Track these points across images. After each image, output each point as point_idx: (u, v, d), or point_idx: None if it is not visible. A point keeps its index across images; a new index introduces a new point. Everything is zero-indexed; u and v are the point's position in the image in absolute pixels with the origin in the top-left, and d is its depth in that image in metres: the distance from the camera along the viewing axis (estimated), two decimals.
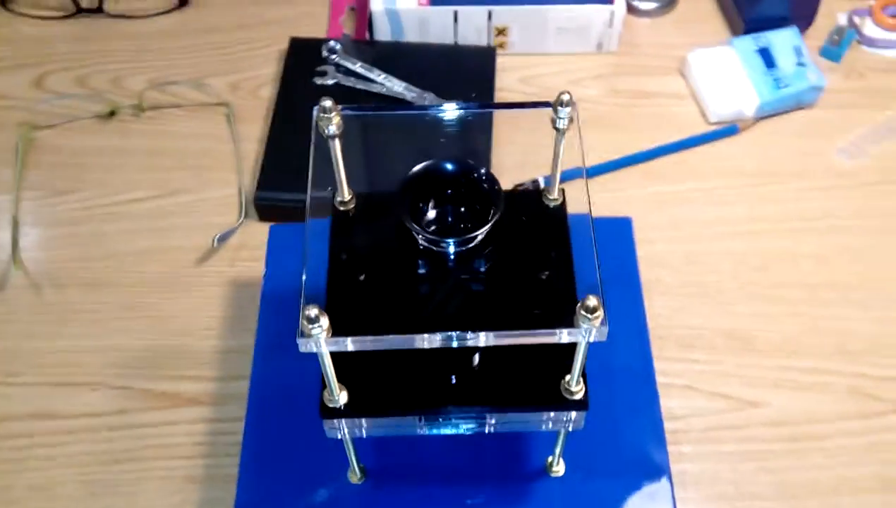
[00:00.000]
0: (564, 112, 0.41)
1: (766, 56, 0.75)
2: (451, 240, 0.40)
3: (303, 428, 0.51)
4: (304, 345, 0.35)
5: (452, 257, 0.41)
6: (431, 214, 0.42)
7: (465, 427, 0.42)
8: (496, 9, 0.75)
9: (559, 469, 0.49)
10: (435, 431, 0.43)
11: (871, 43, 0.80)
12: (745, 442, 0.57)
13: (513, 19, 0.75)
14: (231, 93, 0.77)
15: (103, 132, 0.74)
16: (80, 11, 0.83)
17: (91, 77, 0.78)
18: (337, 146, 0.43)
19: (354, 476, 0.49)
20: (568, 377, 0.40)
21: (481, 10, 0.75)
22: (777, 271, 0.65)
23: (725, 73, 0.75)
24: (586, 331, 0.35)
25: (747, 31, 0.77)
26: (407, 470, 0.50)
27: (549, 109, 0.42)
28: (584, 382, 0.40)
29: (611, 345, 0.52)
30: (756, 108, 0.73)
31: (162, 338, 0.62)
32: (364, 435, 0.42)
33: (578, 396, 0.40)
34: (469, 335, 0.36)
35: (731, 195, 0.70)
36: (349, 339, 0.36)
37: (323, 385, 0.40)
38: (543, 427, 0.42)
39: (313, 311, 0.34)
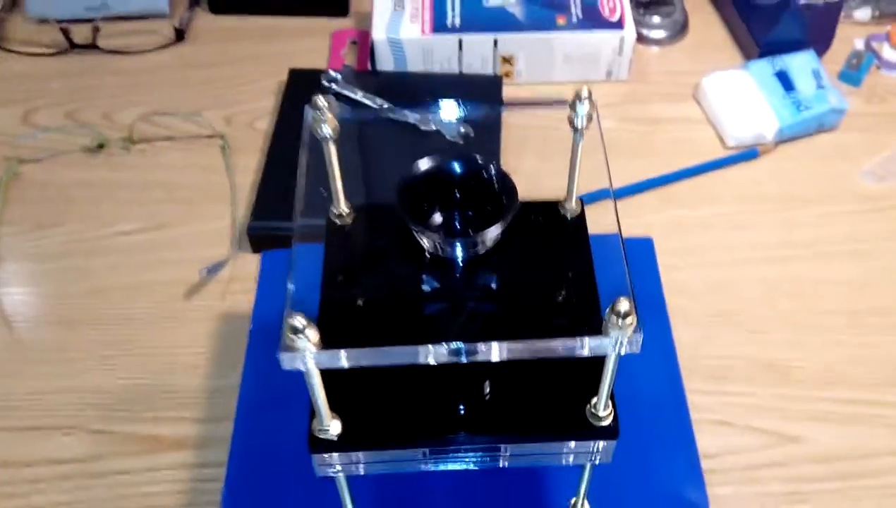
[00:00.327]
0: (583, 108, 0.37)
1: (784, 79, 0.72)
2: (459, 243, 0.36)
3: (291, 471, 0.46)
4: (289, 362, 0.30)
5: (460, 266, 0.37)
6: (437, 219, 0.37)
7: (475, 462, 0.37)
8: (502, 37, 0.72)
9: None
10: (441, 467, 0.38)
11: (890, 67, 0.77)
12: (790, 482, 0.51)
13: (519, 48, 0.73)
14: (226, 126, 0.74)
15: (91, 165, 0.71)
16: (73, 48, 0.80)
17: (81, 111, 0.75)
18: (332, 151, 0.39)
19: None
20: (594, 400, 0.35)
21: (487, 39, 0.72)
22: (812, 297, 0.60)
23: (742, 96, 0.71)
24: (617, 341, 0.31)
25: (762, 56, 0.74)
26: None
27: (566, 112, 0.39)
28: (613, 406, 0.35)
29: (638, 374, 0.47)
30: (776, 132, 0.69)
31: (145, 378, 0.57)
32: (361, 472, 0.36)
33: (607, 422, 0.35)
34: (480, 346, 0.32)
35: (755, 220, 0.66)
36: (341, 352, 0.31)
37: (312, 414, 0.35)
38: (565, 460, 0.37)
39: (299, 321, 0.29)
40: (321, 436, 0.35)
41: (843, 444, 0.53)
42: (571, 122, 0.39)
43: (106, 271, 0.63)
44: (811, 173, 0.69)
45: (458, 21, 0.72)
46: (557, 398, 0.37)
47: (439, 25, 0.72)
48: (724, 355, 0.57)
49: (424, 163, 0.37)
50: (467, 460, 0.36)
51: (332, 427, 0.35)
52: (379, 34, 0.72)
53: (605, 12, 0.72)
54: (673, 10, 0.81)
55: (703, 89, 0.73)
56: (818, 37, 0.74)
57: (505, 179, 0.37)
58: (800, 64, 0.72)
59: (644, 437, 0.46)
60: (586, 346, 0.31)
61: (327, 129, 0.38)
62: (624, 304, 0.29)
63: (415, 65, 0.73)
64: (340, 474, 0.37)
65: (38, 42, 0.81)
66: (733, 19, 0.79)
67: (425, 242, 0.36)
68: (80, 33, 0.80)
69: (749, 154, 0.70)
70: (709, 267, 0.62)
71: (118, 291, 0.62)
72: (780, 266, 0.62)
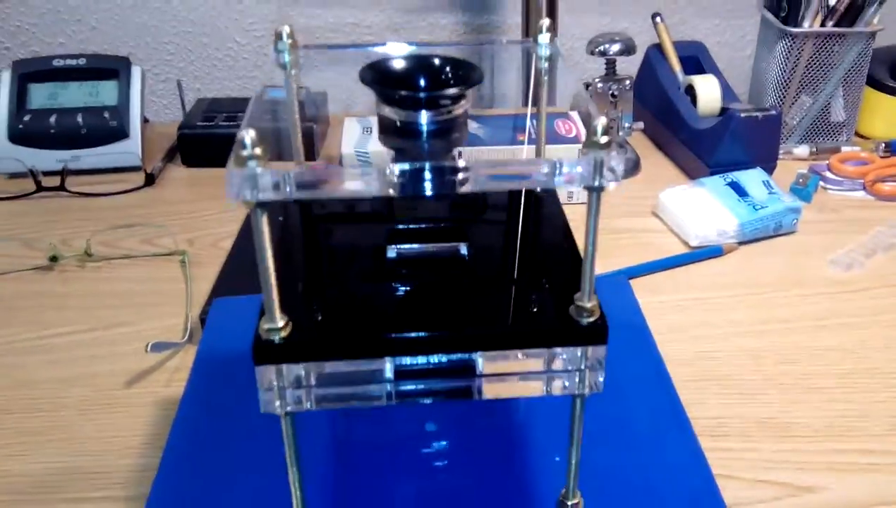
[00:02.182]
0: (545, 38, 0.38)
1: (737, 188, 0.74)
2: (424, 97, 0.33)
3: None
4: (235, 185, 0.27)
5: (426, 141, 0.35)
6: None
7: (445, 388, 0.31)
8: (466, 150, 0.75)
9: (576, 501, 0.36)
10: (406, 397, 0.32)
11: (837, 184, 0.80)
12: None
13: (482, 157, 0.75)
14: (189, 246, 0.73)
15: (41, 281, 0.68)
16: (40, 190, 0.81)
17: (39, 239, 0.73)
18: (293, 85, 0.38)
19: None
20: (577, 295, 0.31)
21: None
22: (800, 363, 0.57)
23: (699, 203, 0.73)
24: (597, 163, 0.28)
25: (712, 175, 0.77)
26: None
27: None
28: (600, 308, 0.31)
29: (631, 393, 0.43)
30: (737, 228, 0.70)
31: (69, 460, 0.50)
32: (311, 405, 0.31)
33: (593, 317, 0.31)
34: (444, 167, 0.28)
35: (731, 302, 0.64)
36: (294, 172, 0.28)
37: (261, 315, 0.30)
38: (549, 386, 0.32)
39: (249, 136, 0.27)
40: (269, 338, 0.30)
41: (864, 492, 0.47)
42: (536, 58, 0.39)
43: (41, 366, 0.58)
44: (778, 265, 0.69)
45: None
46: (536, 303, 0.33)
47: None
48: (717, 415, 0.53)
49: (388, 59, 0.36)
50: (436, 388, 0.31)
51: (282, 331, 0.30)
52: (347, 148, 0.74)
53: (562, 131, 0.76)
54: (625, 150, 0.86)
55: (661, 202, 0.75)
56: (762, 154, 0.78)
57: (467, 65, 0.36)
58: (749, 177, 0.75)
59: (645, 448, 0.40)
60: (564, 170, 0.28)
61: (288, 57, 0.38)
62: (601, 121, 0.27)
63: None
64: (288, 411, 0.31)
65: (6, 191, 0.82)
66: (679, 150, 0.84)
67: (388, 113, 0.34)
68: (52, 181, 0.81)
69: (714, 250, 0.70)
70: (691, 342, 0.59)
71: (52, 383, 0.57)
72: (762, 338, 0.60)
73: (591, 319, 0.31)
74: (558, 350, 0.31)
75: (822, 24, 0.81)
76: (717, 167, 0.78)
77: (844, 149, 0.86)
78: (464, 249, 0.36)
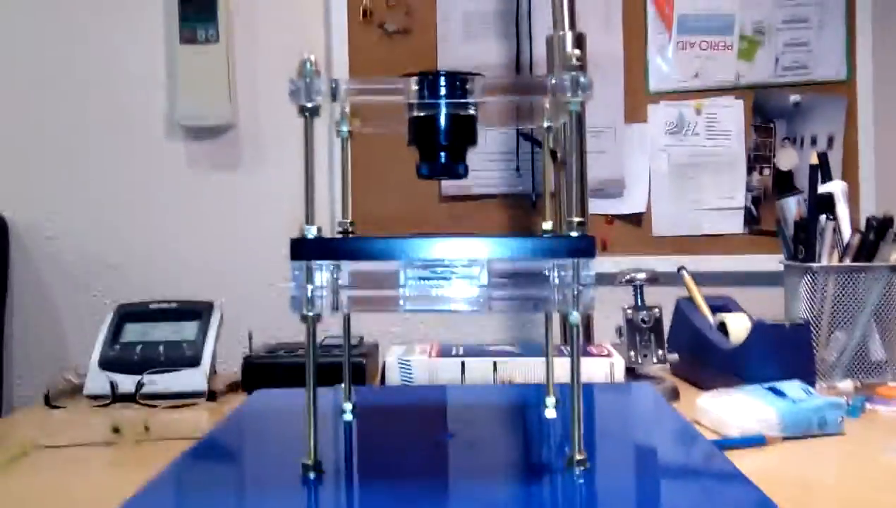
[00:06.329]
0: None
1: (776, 391, 0.75)
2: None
3: None
4: (296, 92, 0.35)
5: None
6: None
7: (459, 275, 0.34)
8: (501, 360, 0.80)
9: (581, 457, 0.35)
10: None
11: (885, 403, 0.80)
12: None
13: (516, 369, 0.80)
14: None
15: (102, 450, 0.72)
16: (115, 401, 0.89)
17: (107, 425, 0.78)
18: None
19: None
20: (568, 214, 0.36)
21: (487, 362, 0.80)
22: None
23: (739, 403, 0.74)
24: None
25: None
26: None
27: None
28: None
29: None
30: (778, 419, 0.70)
31: None
32: (335, 305, 0.34)
33: (580, 232, 0.35)
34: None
35: (784, 471, 0.62)
36: (343, 80, 0.35)
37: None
38: (547, 303, 0.34)
39: (310, 58, 0.35)
40: (304, 235, 0.35)
41: None
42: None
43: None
44: (831, 454, 0.67)
45: (461, 350, 0.82)
46: None
47: (445, 353, 0.81)
48: None
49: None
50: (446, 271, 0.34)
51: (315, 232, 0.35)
52: (391, 357, 0.81)
53: (594, 351, 0.82)
54: (664, 380, 0.88)
55: (699, 406, 0.76)
56: (797, 366, 0.79)
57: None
58: (789, 385, 0.76)
59: None
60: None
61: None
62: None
63: (421, 381, 0.80)
64: (312, 314, 0.34)
65: (86, 404, 0.90)
66: (713, 375, 0.85)
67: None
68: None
69: (757, 439, 0.69)
70: None
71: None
72: (835, 493, 0.57)
73: (579, 233, 0.35)
74: (553, 262, 0.34)
75: (841, 260, 0.88)
76: (752, 380, 0.79)
77: (891, 384, 0.86)
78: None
